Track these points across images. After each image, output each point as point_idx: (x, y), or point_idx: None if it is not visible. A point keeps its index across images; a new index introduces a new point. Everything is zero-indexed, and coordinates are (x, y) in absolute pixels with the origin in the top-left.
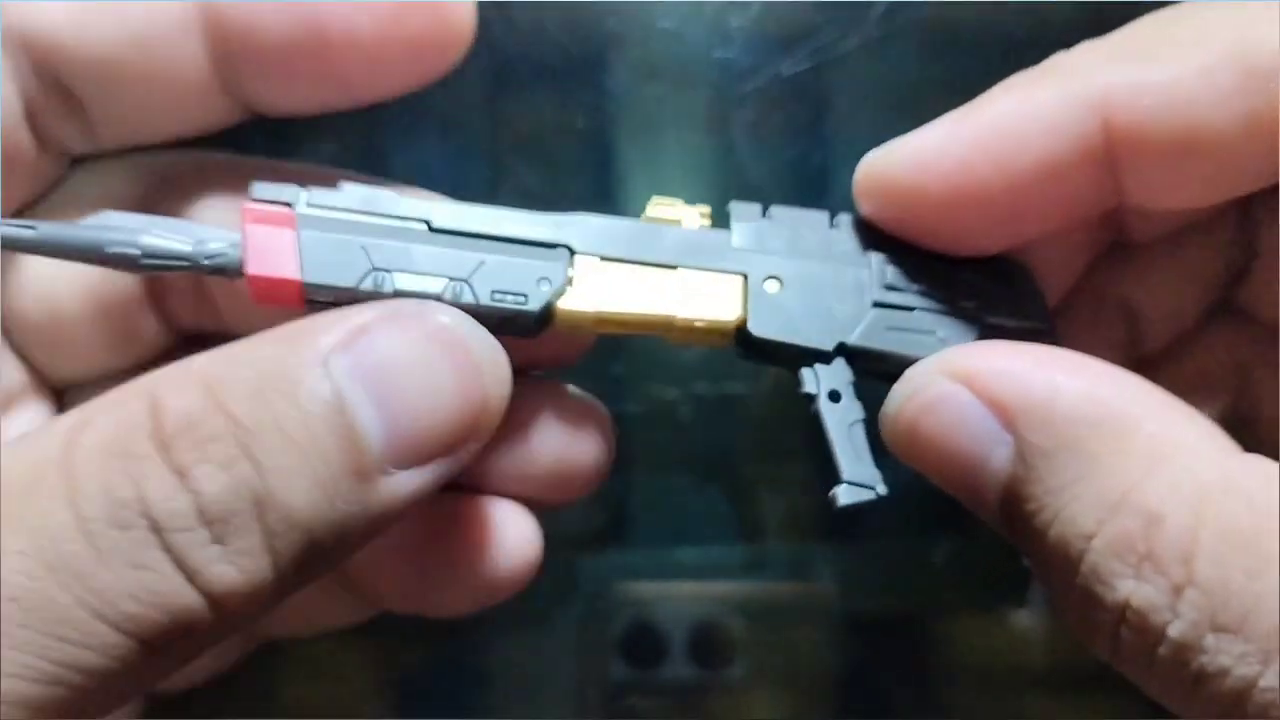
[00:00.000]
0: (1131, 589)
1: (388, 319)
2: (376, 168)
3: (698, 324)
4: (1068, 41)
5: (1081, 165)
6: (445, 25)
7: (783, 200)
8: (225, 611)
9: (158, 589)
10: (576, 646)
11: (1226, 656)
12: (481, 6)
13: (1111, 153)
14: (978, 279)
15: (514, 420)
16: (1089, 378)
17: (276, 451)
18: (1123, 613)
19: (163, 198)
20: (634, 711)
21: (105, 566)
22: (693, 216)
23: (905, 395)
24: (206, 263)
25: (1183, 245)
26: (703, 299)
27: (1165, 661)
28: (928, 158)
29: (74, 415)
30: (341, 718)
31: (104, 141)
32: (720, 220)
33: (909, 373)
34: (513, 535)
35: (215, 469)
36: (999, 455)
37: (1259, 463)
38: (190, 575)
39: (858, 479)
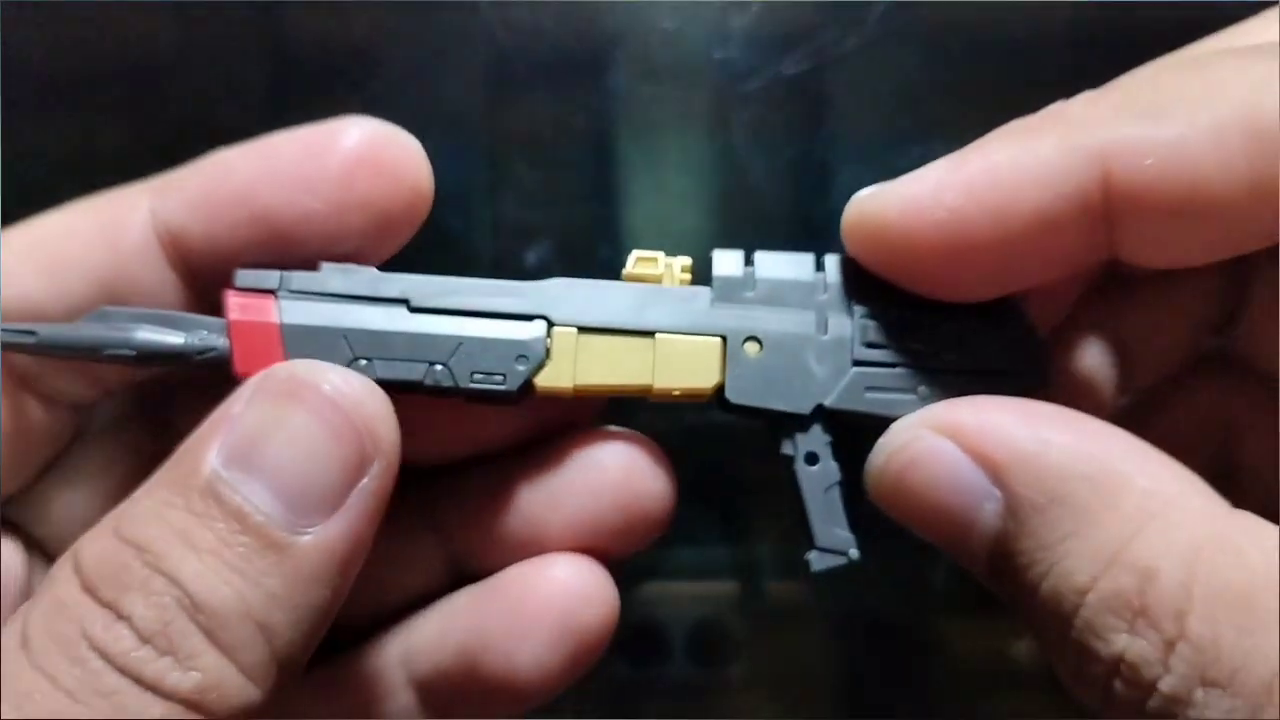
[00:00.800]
0: (1125, 643)
1: (247, 397)
2: None
3: (675, 391)
4: (1067, 42)
5: (1078, 220)
6: (398, 183)
7: (782, 200)
8: (215, 712)
9: (130, 706)
10: None
11: (1215, 711)
12: (481, 6)
13: (1109, 208)
14: (965, 323)
15: (575, 468)
16: (1078, 432)
17: (182, 559)
18: (1116, 666)
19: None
20: (634, 711)
21: (77, 702)
22: (674, 271)
23: (891, 449)
24: (198, 358)
25: (1176, 284)
26: (681, 365)
27: (1155, 714)
28: (920, 204)
29: (25, 605)
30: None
31: (111, 384)
32: (703, 269)
33: (894, 426)
34: (588, 585)
35: (136, 595)
36: (988, 510)
37: (1250, 520)
38: (153, 689)
39: (830, 544)
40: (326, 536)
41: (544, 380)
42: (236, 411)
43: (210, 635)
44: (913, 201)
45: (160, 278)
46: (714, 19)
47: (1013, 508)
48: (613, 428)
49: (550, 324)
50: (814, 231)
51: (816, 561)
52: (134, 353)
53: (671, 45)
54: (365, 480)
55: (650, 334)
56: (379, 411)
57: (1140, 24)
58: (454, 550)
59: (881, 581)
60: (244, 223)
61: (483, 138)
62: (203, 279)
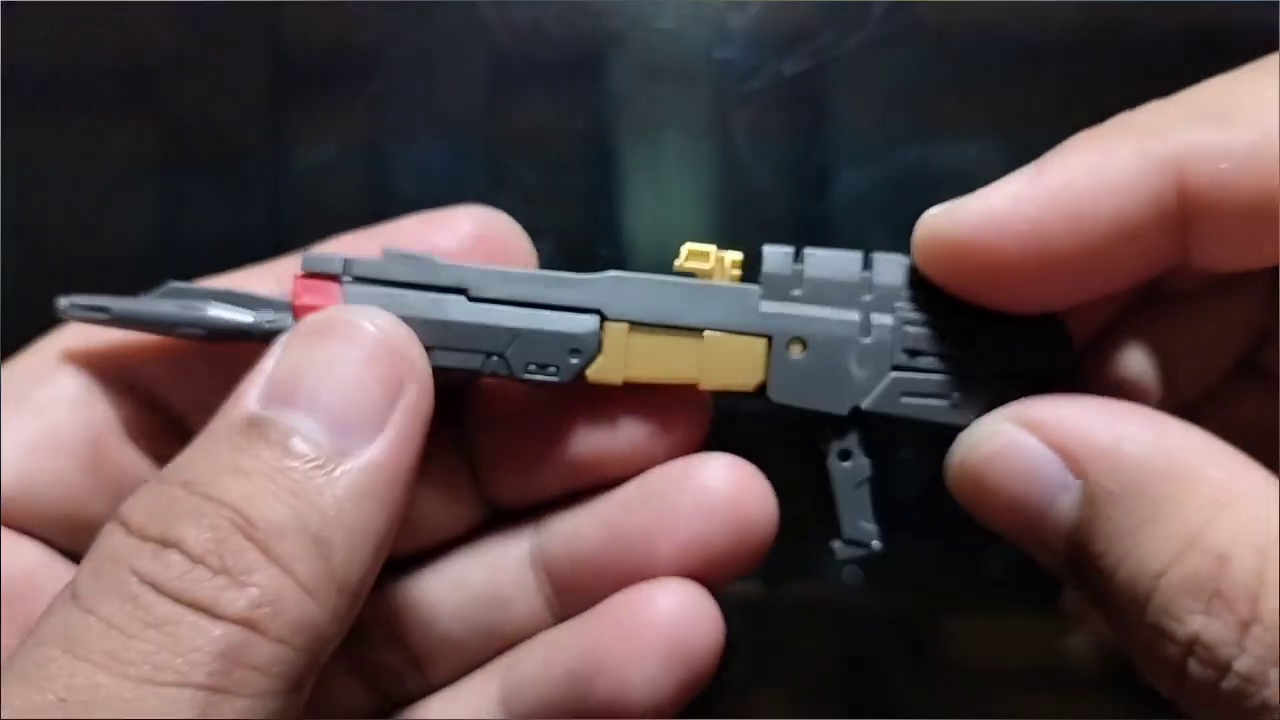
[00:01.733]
0: (1201, 624)
1: (279, 350)
2: (378, 168)
3: (720, 386)
4: (1066, 43)
5: (1155, 225)
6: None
7: (782, 200)
8: (272, 629)
9: (184, 635)
10: None
11: None
12: (481, 6)
13: (1185, 214)
14: (1004, 333)
15: (680, 491)
16: (1153, 428)
17: (232, 483)
18: (1191, 646)
19: None
20: None
21: (130, 636)
22: (724, 265)
23: (972, 444)
24: (265, 336)
25: (1218, 299)
26: (727, 363)
27: (1229, 694)
28: (999, 217)
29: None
30: (344, 718)
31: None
32: (753, 263)
33: (977, 422)
34: (697, 610)
35: (186, 521)
36: (1065, 501)
37: None
38: (208, 611)
39: (856, 536)
40: (374, 455)
41: (595, 373)
42: (270, 365)
43: (265, 549)
44: (990, 215)
45: None
46: (714, 19)
47: (1090, 496)
48: (713, 453)
49: (603, 318)
50: (813, 232)
51: (841, 551)
52: (204, 331)
53: (671, 45)
54: (403, 400)
55: (699, 331)
56: (407, 338)
57: (1141, 24)
58: (558, 583)
59: (883, 581)
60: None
61: (482, 137)
62: None
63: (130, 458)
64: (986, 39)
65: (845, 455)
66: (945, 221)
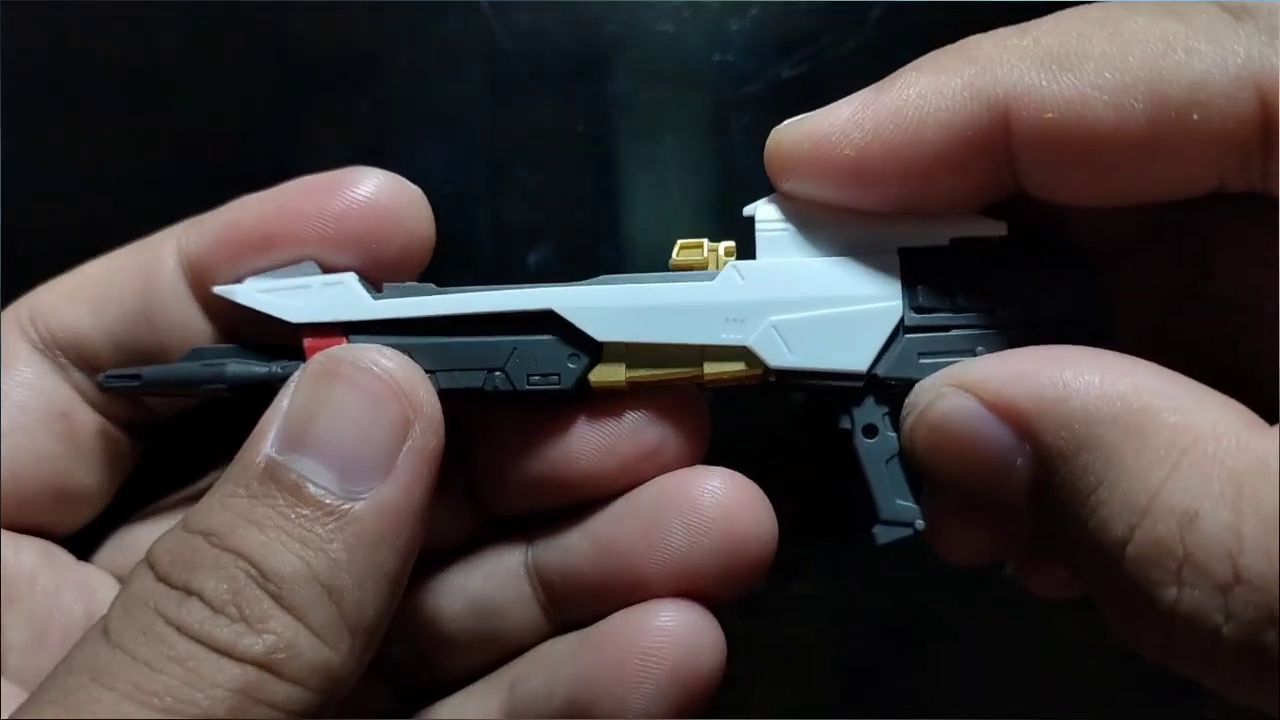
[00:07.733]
0: (1175, 595)
1: (292, 388)
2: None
3: (725, 376)
4: None
5: (979, 159)
6: (395, 228)
7: None
8: (288, 672)
9: (205, 670)
10: None
11: None
12: (483, 9)
13: (1011, 150)
14: (1022, 274)
15: (671, 510)
16: (1101, 372)
17: (246, 535)
18: (1171, 620)
19: None
20: None
21: (155, 670)
22: (719, 255)
23: (916, 411)
24: (282, 381)
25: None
26: (729, 352)
27: (1228, 659)
28: (831, 141)
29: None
30: (345, 718)
31: (160, 411)
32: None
33: (918, 386)
34: (695, 632)
35: (205, 573)
36: (1021, 464)
37: None
38: (227, 653)
39: (895, 516)
40: (382, 499)
41: (598, 376)
42: (285, 404)
43: (279, 599)
44: (824, 139)
45: (186, 308)
46: (713, 22)
47: (1042, 458)
48: (709, 467)
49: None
50: None
51: (882, 535)
52: (226, 386)
53: (671, 48)
54: (410, 441)
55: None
56: (414, 377)
57: None
58: (551, 594)
59: (882, 580)
60: (254, 254)
61: (484, 140)
62: (221, 307)
63: (100, 424)
64: None
65: (871, 431)
66: (787, 138)
